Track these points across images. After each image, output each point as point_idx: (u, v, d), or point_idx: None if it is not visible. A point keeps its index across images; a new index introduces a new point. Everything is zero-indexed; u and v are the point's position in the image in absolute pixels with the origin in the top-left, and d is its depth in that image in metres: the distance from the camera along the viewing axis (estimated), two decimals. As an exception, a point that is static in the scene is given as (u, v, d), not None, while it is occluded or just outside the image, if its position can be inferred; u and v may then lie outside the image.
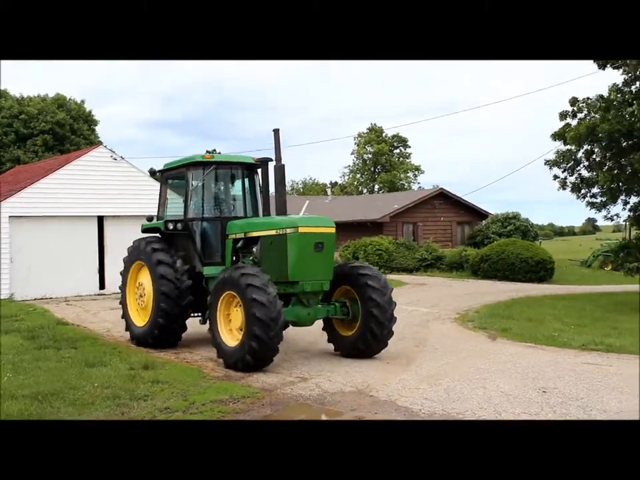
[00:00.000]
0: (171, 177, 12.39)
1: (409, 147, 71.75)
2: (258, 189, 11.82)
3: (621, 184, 17.38)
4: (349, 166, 72.82)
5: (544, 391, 8.20)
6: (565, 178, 18.78)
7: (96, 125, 48.02)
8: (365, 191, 69.77)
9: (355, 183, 71.85)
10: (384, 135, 69.20)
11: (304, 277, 9.75)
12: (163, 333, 11.10)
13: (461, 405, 7.54)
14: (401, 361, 10.15)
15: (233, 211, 11.93)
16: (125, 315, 12.14)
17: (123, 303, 12.23)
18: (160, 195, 12.60)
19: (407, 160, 71.23)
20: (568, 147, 18.29)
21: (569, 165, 18.48)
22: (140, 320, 11.73)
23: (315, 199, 45.25)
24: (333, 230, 10.14)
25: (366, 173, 71.02)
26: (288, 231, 9.78)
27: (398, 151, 71.40)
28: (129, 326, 12.00)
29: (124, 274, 12.26)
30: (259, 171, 11.43)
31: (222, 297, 9.71)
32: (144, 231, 12.25)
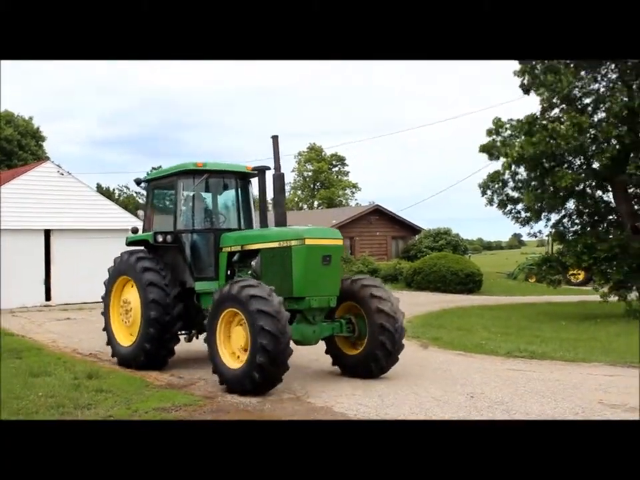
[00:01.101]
0: (159, 186, 11.46)
1: (347, 165, 73.58)
2: (252, 199, 11.25)
3: (543, 202, 18.34)
4: (290, 183, 73.40)
5: (471, 396, 8.44)
6: (492, 195, 19.66)
7: (43, 141, 47.44)
8: (305, 206, 70.48)
9: (296, 199, 72.56)
10: (323, 153, 70.37)
11: (310, 292, 9.05)
12: (150, 358, 10.29)
13: (394, 410, 7.68)
14: (338, 369, 10.20)
15: (226, 223, 11.12)
16: (108, 334, 11.12)
17: (107, 323, 11.15)
18: (146, 205, 11.67)
19: (345, 177, 72.68)
20: (502, 163, 19.04)
21: (497, 186, 19.40)
22: (125, 339, 10.81)
23: (256, 214, 45.19)
24: (340, 242, 9.55)
25: (306, 190, 72.03)
26: (293, 243, 9.08)
27: (336, 169, 72.72)
28: (113, 346, 10.99)
29: (107, 288, 11.19)
30: (254, 180, 10.80)
31: (222, 315, 8.82)
32: (129, 243, 11.28)
